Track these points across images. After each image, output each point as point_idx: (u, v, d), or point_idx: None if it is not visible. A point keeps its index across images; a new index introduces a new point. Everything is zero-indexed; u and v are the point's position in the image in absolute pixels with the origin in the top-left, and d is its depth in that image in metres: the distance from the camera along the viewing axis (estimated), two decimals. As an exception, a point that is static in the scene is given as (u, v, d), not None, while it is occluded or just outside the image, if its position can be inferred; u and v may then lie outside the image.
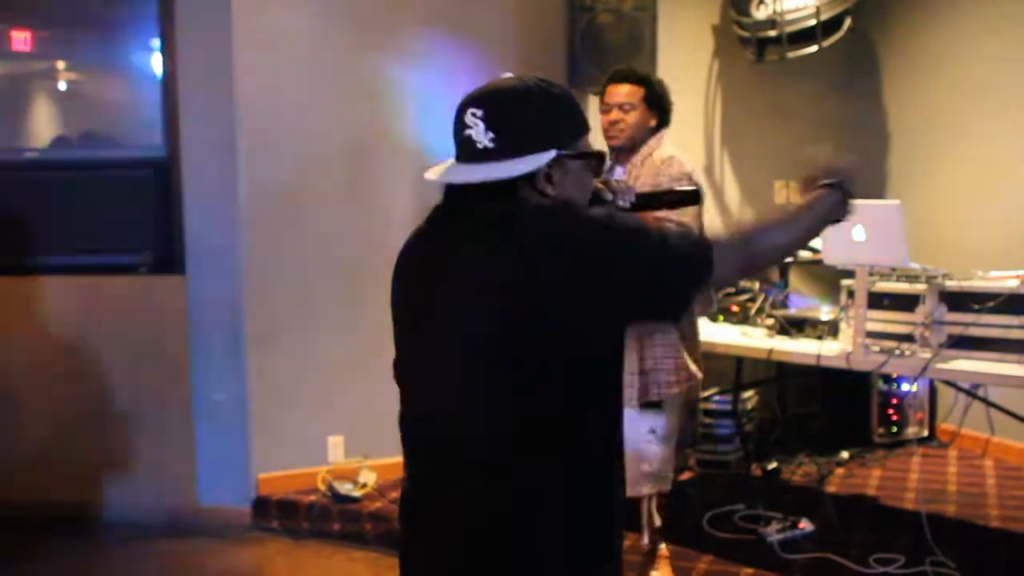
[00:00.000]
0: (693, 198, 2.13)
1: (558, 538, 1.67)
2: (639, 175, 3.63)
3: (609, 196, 1.89)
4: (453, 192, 1.77)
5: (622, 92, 3.70)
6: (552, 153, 1.69)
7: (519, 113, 1.71)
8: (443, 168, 1.77)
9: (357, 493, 4.55)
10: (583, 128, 1.79)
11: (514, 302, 1.63)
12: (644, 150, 3.69)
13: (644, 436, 3.63)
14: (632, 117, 3.68)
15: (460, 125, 1.73)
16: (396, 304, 1.83)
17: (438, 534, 1.73)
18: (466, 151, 1.72)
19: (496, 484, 1.67)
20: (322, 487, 4.65)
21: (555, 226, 1.65)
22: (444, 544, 1.72)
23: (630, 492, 3.60)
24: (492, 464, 1.67)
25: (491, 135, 1.68)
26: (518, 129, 1.69)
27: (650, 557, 3.82)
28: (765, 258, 1.92)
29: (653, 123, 3.71)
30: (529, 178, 1.69)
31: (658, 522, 3.79)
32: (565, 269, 1.61)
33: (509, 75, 1.77)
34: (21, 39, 5.03)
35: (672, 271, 1.66)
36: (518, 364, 1.64)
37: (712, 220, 5.74)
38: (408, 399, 1.81)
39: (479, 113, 1.70)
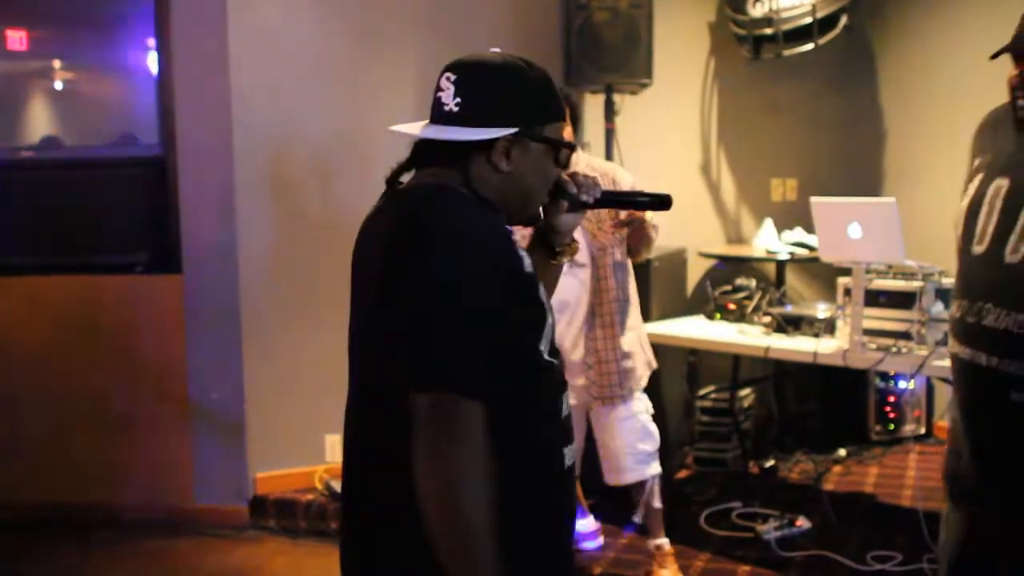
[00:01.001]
0: (664, 204, 1.95)
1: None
2: None
3: (573, 189, 1.83)
4: (413, 152, 1.79)
5: None
6: (512, 130, 1.68)
7: (489, 85, 1.70)
8: (409, 125, 1.78)
9: (354, 492, 4.55)
10: (555, 115, 1.76)
11: (374, 280, 1.63)
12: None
13: (644, 417, 3.73)
14: None
15: (436, 88, 1.75)
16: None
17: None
18: (434, 112, 1.74)
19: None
20: (319, 486, 4.65)
21: (416, 229, 1.60)
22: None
23: (635, 477, 3.68)
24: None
25: (457, 100, 1.69)
26: (484, 99, 1.69)
27: (658, 553, 3.82)
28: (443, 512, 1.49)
29: None
30: (485, 149, 1.68)
31: (659, 503, 3.81)
32: (386, 270, 1.59)
33: (496, 50, 1.77)
34: (17, 38, 5.03)
35: (433, 357, 1.51)
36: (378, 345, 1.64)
37: (708, 219, 5.77)
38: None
39: (453, 78, 1.72)
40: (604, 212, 3.55)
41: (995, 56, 2.24)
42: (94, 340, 4.77)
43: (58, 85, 5.33)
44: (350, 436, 1.73)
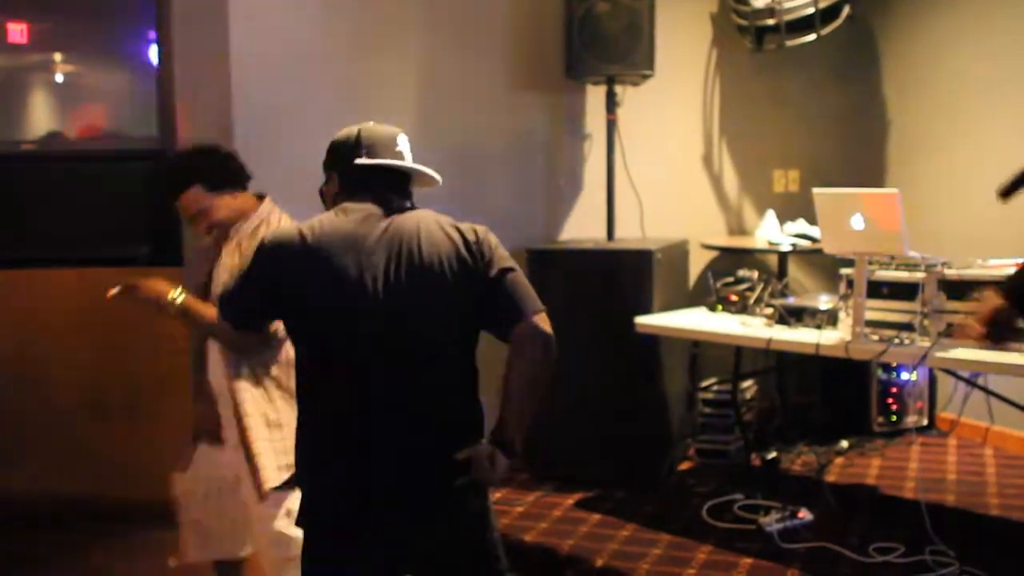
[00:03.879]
0: None
1: None
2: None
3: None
4: (399, 183, 2.59)
5: (182, 207, 3.12)
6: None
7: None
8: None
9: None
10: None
11: None
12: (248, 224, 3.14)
13: (284, 522, 2.92)
14: (214, 215, 3.10)
15: (395, 147, 2.64)
16: None
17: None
18: (396, 159, 2.62)
19: None
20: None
21: (479, 232, 2.39)
22: None
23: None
24: None
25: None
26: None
27: None
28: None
29: (232, 197, 3.13)
30: None
31: None
32: (469, 260, 2.32)
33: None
34: (17, 31, 5.01)
35: (533, 295, 2.32)
36: None
37: (710, 210, 5.76)
38: None
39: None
40: None
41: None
42: (94, 332, 4.77)
43: (59, 78, 5.31)
44: (396, 385, 2.23)
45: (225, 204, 3.09)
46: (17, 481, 4.72)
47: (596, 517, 4.36)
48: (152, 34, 4.82)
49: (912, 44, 5.62)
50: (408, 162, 2.51)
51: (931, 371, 5.37)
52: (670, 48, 5.14)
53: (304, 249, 2.26)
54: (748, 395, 5.18)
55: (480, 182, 4.92)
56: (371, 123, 2.62)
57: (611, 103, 4.91)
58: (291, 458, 2.48)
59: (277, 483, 2.93)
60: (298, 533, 2.42)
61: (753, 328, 4.20)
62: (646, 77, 4.91)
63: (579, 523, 4.29)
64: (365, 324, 2.21)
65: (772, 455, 4.92)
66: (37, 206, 4.83)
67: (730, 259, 5.45)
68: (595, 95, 5.14)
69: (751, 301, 4.38)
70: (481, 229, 2.35)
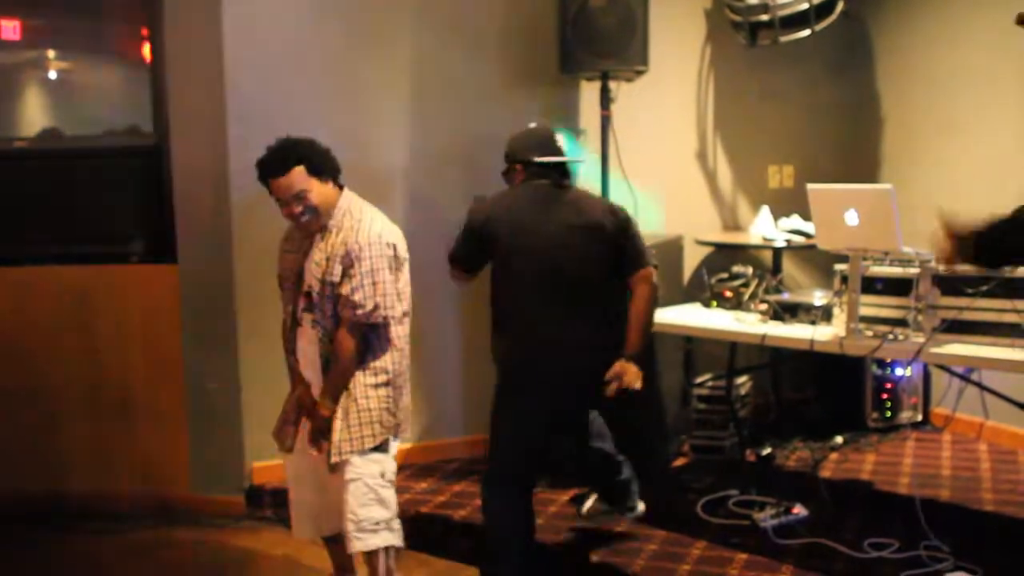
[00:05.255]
0: None
1: None
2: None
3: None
4: (554, 168, 3.72)
5: (283, 186, 3.36)
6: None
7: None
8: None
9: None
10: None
11: None
12: (337, 213, 3.44)
13: (379, 481, 3.43)
14: (310, 198, 3.36)
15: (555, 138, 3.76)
16: None
17: None
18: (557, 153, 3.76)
19: None
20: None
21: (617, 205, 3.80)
22: None
23: (360, 546, 3.39)
24: None
25: None
26: None
27: None
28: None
29: (325, 185, 3.40)
30: None
31: None
32: (614, 227, 3.60)
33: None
34: (10, 28, 5.00)
35: (648, 253, 3.65)
36: None
37: (705, 207, 5.75)
38: None
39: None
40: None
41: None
42: (89, 330, 4.77)
43: (52, 75, 5.31)
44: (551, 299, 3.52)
45: (320, 191, 3.37)
46: (17, 481, 4.72)
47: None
48: (145, 31, 4.82)
49: (907, 40, 5.62)
50: (564, 157, 3.70)
51: (925, 367, 5.38)
52: (664, 44, 5.13)
53: (497, 215, 3.59)
54: (743, 391, 5.18)
55: (474, 178, 4.91)
56: (533, 124, 3.88)
57: (605, 99, 4.90)
58: (398, 417, 3.48)
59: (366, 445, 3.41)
60: (392, 495, 3.44)
61: (748, 324, 4.20)
62: (640, 73, 4.90)
63: (574, 519, 4.28)
64: (538, 261, 3.50)
65: (767, 451, 4.92)
66: (30, 204, 4.83)
67: (724, 255, 5.45)
68: (589, 91, 5.13)
69: (746, 297, 4.38)
70: (619, 205, 3.71)
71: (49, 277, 4.79)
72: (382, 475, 3.43)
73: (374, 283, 3.34)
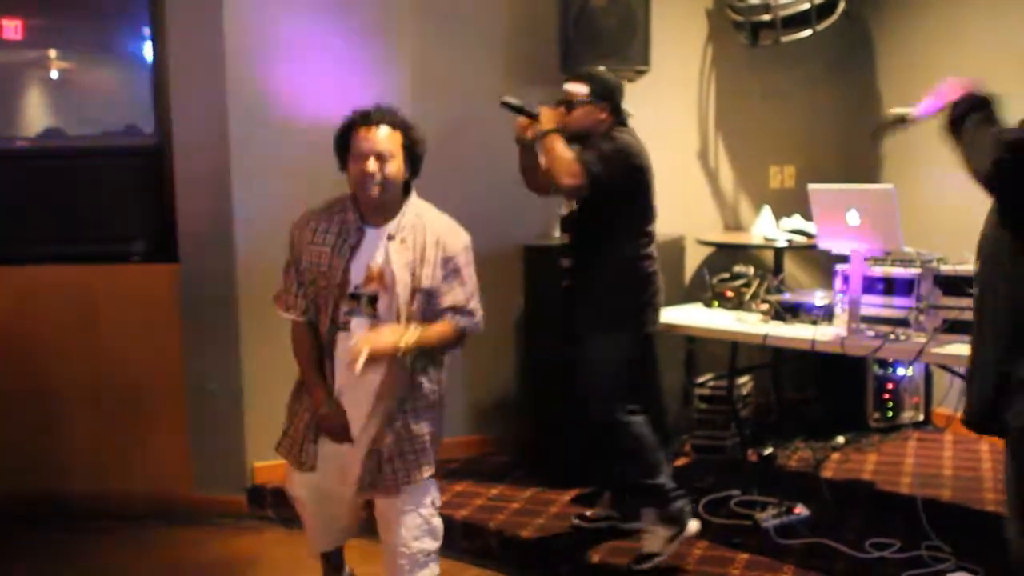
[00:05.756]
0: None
1: None
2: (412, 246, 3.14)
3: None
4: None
5: (381, 136, 3.10)
6: None
7: None
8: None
9: (352, 481, 4.55)
10: None
11: None
12: (409, 213, 3.17)
13: (431, 511, 3.21)
14: (391, 168, 3.09)
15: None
16: None
17: None
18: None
19: None
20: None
21: None
22: None
23: None
24: None
25: None
26: None
27: None
28: None
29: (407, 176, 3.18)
30: None
31: None
32: None
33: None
34: (12, 27, 5.00)
35: None
36: None
37: (706, 207, 5.75)
38: None
39: None
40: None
41: None
42: (91, 329, 4.77)
43: (53, 74, 5.30)
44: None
45: (399, 169, 3.12)
46: (18, 480, 4.72)
47: (592, 513, 4.35)
48: (147, 30, 4.81)
49: (908, 40, 5.62)
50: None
51: (927, 367, 5.38)
52: (666, 44, 5.13)
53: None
54: (744, 391, 5.18)
55: (474, 177, 4.91)
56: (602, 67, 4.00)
57: (606, 99, 4.90)
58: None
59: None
60: (440, 523, 3.19)
61: (749, 324, 4.20)
62: (641, 73, 4.90)
63: (574, 519, 4.28)
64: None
65: (768, 451, 4.92)
66: (33, 203, 4.82)
67: (726, 255, 5.44)
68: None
69: (747, 297, 4.38)
70: None
71: (50, 277, 4.79)
72: (432, 503, 3.22)
73: (477, 290, 3.19)
